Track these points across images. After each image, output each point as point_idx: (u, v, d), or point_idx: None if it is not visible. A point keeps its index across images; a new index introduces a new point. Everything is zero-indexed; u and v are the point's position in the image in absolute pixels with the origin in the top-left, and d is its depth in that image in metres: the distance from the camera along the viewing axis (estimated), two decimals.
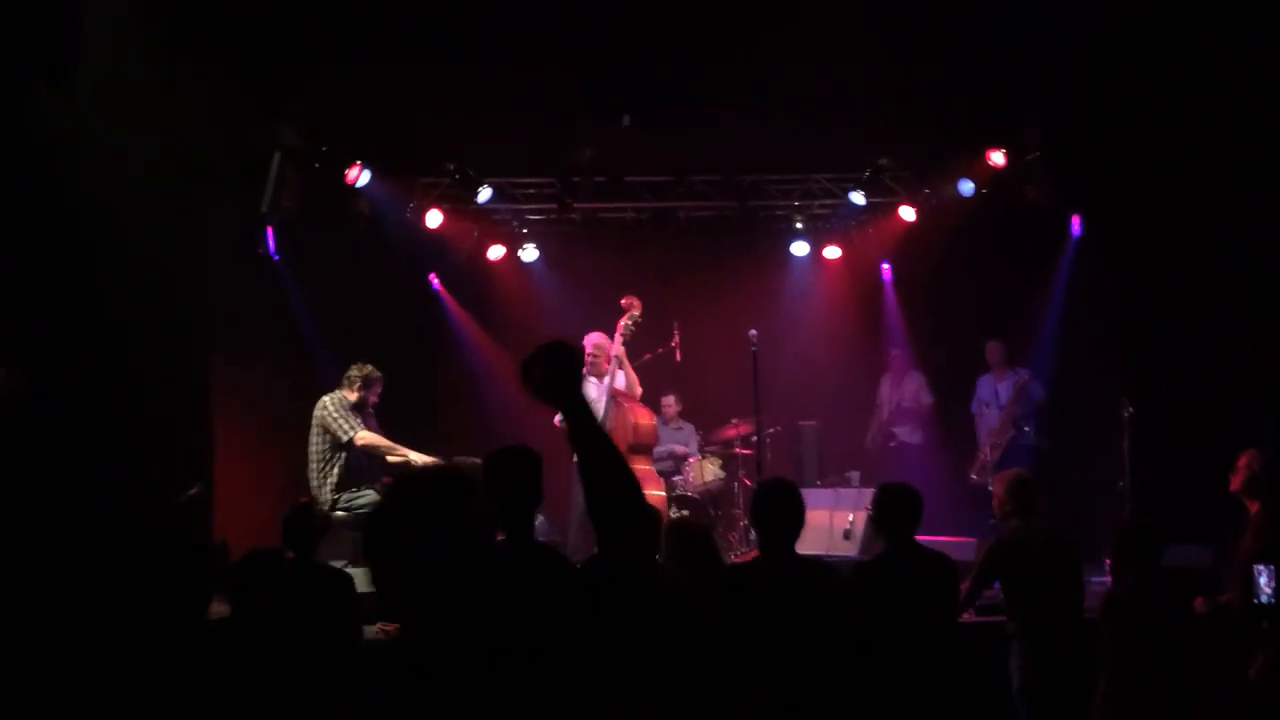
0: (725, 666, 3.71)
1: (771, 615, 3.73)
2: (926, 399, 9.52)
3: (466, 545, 2.34)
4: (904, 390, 9.60)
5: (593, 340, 7.96)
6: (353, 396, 6.97)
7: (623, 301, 7.91)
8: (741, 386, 7.84)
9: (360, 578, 6.65)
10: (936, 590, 4.39)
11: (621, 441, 7.55)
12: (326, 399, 6.93)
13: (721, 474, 9.04)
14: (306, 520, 4.74)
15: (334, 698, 3.50)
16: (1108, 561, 6.14)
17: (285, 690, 2.72)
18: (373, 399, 7.08)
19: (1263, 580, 4.35)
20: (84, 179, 6.66)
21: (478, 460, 6.86)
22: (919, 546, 4.48)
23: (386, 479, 7.00)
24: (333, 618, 4.23)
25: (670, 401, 9.23)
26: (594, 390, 7.90)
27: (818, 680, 3.70)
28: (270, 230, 8.32)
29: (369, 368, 7.08)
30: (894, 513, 4.49)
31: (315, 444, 6.88)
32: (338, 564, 6.99)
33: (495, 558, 3.29)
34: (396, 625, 4.71)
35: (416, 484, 2.29)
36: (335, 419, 6.81)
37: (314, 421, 6.91)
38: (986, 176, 8.75)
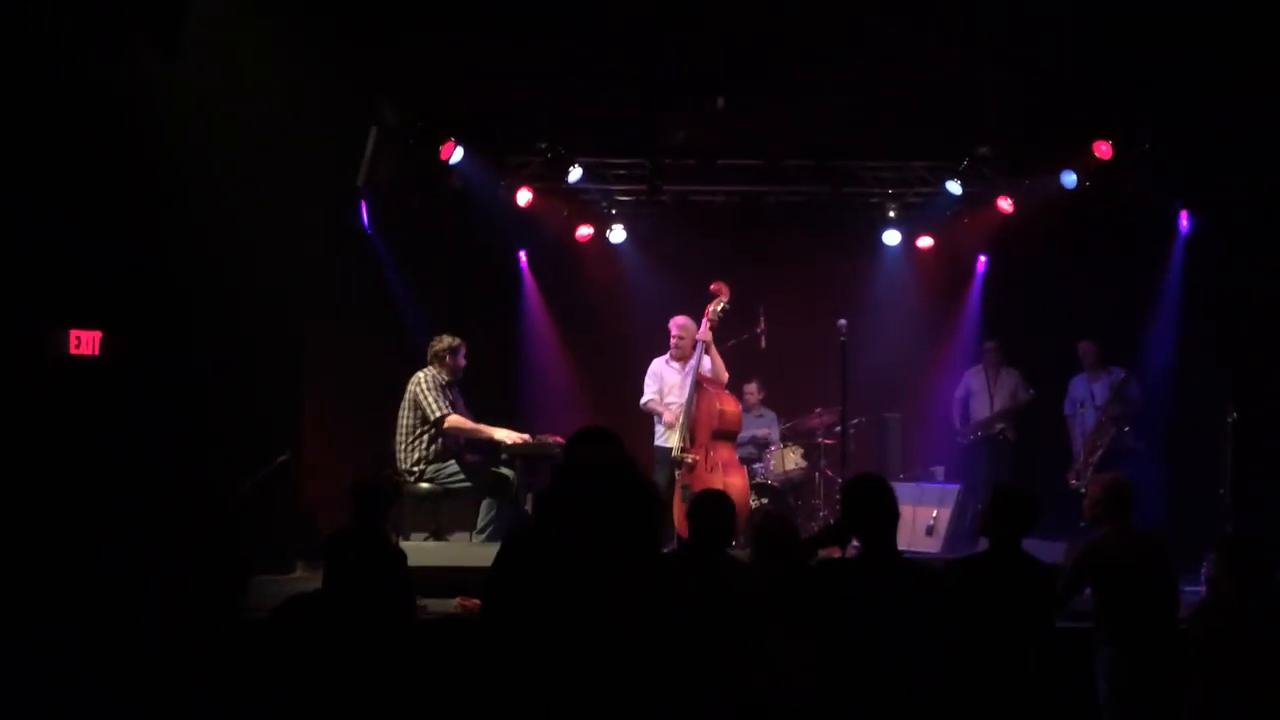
0: (828, 657, 3.64)
1: (882, 613, 3.63)
2: (1023, 395, 9.22)
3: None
4: (1004, 385, 9.34)
5: (678, 323, 7.89)
6: (444, 372, 7.02)
7: (711, 287, 7.82)
8: (825, 375, 7.72)
9: (437, 552, 6.71)
10: (1035, 595, 4.25)
11: (706, 428, 7.49)
12: (421, 375, 6.98)
13: (803, 463, 8.93)
14: (374, 493, 4.81)
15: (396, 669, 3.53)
16: (1205, 570, 5.94)
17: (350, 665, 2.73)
18: (461, 363, 7.13)
19: None
20: (186, 146, 6.82)
21: (560, 439, 6.89)
22: (1022, 550, 4.33)
23: (472, 455, 7.05)
24: (393, 591, 4.29)
25: (753, 389, 9.13)
26: (678, 374, 7.85)
27: (920, 682, 3.60)
28: (364, 204, 8.44)
29: (446, 338, 7.10)
30: (1008, 514, 4.32)
31: (405, 417, 6.95)
32: (420, 536, 7.09)
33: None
34: (477, 601, 4.74)
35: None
36: (427, 396, 6.86)
37: (406, 395, 6.97)
38: (1091, 168, 8.46)
